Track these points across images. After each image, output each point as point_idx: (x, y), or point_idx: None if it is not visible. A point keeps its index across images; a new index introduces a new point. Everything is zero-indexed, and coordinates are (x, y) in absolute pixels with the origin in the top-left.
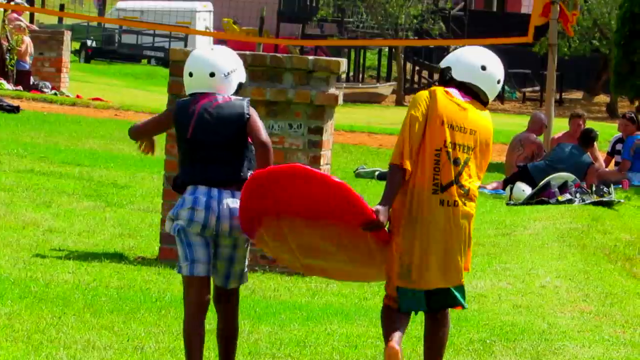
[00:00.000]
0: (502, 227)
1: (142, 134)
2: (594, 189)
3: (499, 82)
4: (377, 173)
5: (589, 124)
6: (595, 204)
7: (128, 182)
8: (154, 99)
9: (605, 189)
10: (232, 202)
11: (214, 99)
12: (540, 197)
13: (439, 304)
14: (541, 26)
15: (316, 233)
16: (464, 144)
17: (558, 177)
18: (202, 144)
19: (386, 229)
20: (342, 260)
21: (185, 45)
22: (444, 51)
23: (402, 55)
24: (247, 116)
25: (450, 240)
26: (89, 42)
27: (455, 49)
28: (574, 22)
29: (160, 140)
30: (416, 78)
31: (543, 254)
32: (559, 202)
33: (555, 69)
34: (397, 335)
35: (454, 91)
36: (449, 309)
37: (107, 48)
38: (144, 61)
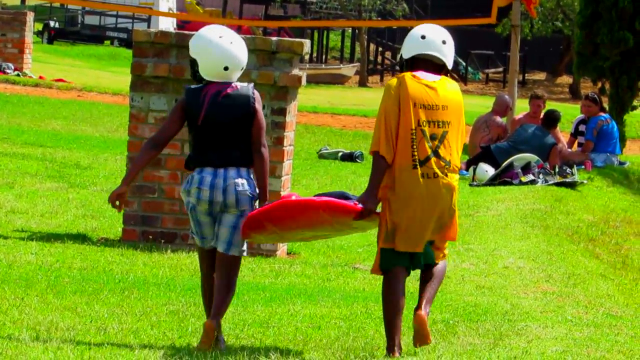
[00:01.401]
0: (465, 208)
1: (166, 138)
2: (556, 170)
3: (444, 42)
4: (340, 154)
5: (552, 105)
6: (558, 185)
7: (91, 163)
8: (117, 80)
9: (568, 170)
10: (238, 179)
11: (223, 89)
12: (503, 178)
13: (425, 261)
14: (504, 7)
15: (309, 230)
16: (438, 119)
17: (521, 158)
18: (211, 130)
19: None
20: (329, 234)
21: (149, 26)
22: (407, 32)
23: (366, 37)
24: (253, 104)
25: (430, 209)
26: (51, 23)
27: None
28: (537, 3)
29: (124, 120)
30: (379, 59)
31: (506, 235)
32: (522, 183)
33: (518, 50)
34: (397, 340)
35: (420, 73)
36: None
37: (70, 29)
38: (107, 42)
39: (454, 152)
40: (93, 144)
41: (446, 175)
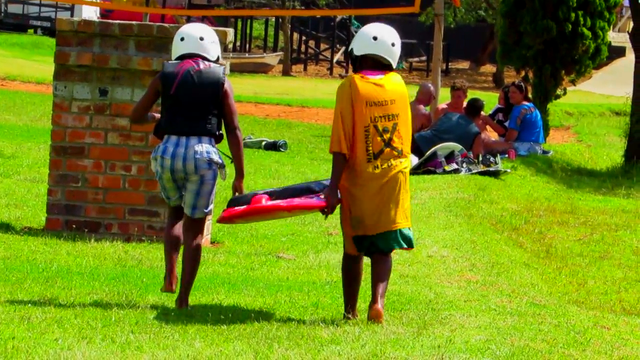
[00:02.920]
0: None
1: (142, 110)
2: (480, 158)
3: (393, 44)
4: (263, 143)
5: (476, 94)
6: (481, 173)
7: (14, 152)
8: (40, 69)
9: (491, 159)
10: (198, 145)
11: (197, 64)
12: (427, 166)
13: (385, 244)
14: None
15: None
16: (388, 113)
17: (445, 146)
18: (181, 100)
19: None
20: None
21: (72, 15)
22: (331, 21)
23: (289, 25)
24: (222, 82)
25: (385, 196)
26: None
27: (342, 19)
28: None
29: (48, 109)
30: (303, 48)
31: (430, 224)
32: (445, 172)
33: (441, 39)
34: (352, 302)
35: (368, 73)
36: (390, 253)
37: None
38: (30, 31)
39: (405, 140)
40: (16, 133)
41: (400, 163)
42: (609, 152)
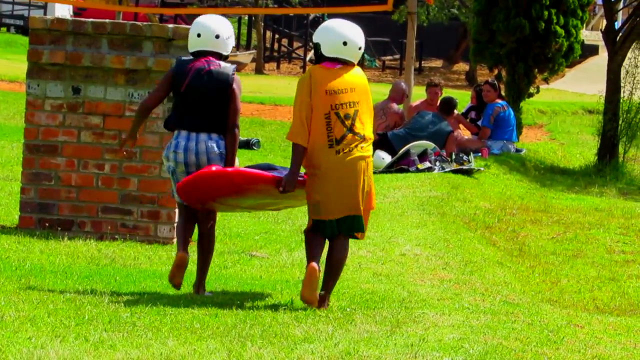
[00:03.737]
0: None
1: (152, 103)
2: (453, 157)
3: (360, 48)
4: None
5: (449, 92)
6: (455, 172)
7: None
8: (13, 67)
9: (464, 157)
10: (209, 141)
11: (208, 64)
12: (400, 165)
13: (347, 229)
14: None
15: (243, 198)
16: (349, 101)
17: (418, 145)
18: (190, 98)
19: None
20: (272, 203)
21: (45, 13)
22: (304, 19)
23: (262, 24)
24: (231, 83)
25: (346, 180)
26: None
27: (315, 17)
28: None
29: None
30: (276, 46)
31: (403, 223)
32: (418, 170)
33: (414, 37)
34: (316, 258)
35: (327, 64)
36: (349, 239)
37: None
38: (3, 29)
39: (367, 125)
40: None
41: (361, 148)
42: (582, 151)
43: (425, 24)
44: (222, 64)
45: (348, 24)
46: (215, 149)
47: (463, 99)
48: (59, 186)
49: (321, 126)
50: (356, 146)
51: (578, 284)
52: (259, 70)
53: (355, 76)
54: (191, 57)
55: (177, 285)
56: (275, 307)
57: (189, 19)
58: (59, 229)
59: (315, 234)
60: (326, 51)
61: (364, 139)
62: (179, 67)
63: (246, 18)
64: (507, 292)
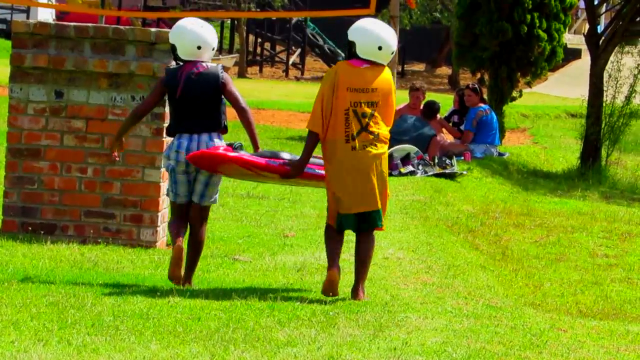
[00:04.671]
0: None
1: (144, 109)
2: (436, 160)
3: (392, 53)
4: None
5: (431, 96)
6: (437, 175)
7: None
8: None
9: (447, 161)
10: (209, 141)
11: (196, 67)
12: None
13: (365, 224)
14: None
15: (249, 177)
16: (368, 100)
17: (401, 149)
18: (187, 102)
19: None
20: (280, 182)
21: (28, 17)
22: (287, 23)
23: (245, 27)
24: (222, 80)
25: (362, 176)
26: None
27: (298, 20)
28: None
29: (3, 111)
30: (258, 50)
31: (386, 226)
32: (401, 174)
33: (397, 41)
34: (336, 261)
35: (355, 61)
36: (374, 231)
37: None
38: None
39: (382, 126)
40: None
41: (375, 146)
42: (565, 154)
43: (408, 27)
44: (209, 65)
45: (384, 27)
46: (213, 146)
47: (446, 102)
48: (42, 190)
49: (340, 120)
50: (370, 144)
51: (561, 287)
52: (241, 74)
53: (381, 77)
54: (178, 65)
55: (178, 280)
56: (258, 311)
57: (172, 22)
58: (42, 232)
59: (334, 229)
60: (361, 52)
61: (377, 137)
62: (169, 76)
63: (229, 22)
64: (490, 296)
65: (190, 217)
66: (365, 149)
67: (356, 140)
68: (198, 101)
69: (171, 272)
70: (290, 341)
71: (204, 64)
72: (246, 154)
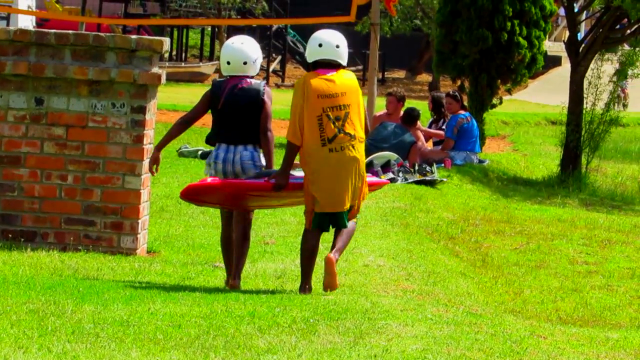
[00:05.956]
0: None
1: (191, 118)
2: (416, 167)
3: (337, 46)
4: (200, 152)
5: (412, 103)
6: (418, 183)
7: None
8: None
9: (427, 168)
10: (244, 151)
11: (239, 83)
12: None
13: (337, 223)
14: (363, 5)
15: (244, 201)
16: (339, 104)
17: (381, 156)
18: (227, 114)
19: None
20: (272, 203)
21: (8, 24)
22: (267, 30)
23: (225, 35)
24: (262, 97)
25: (340, 177)
26: None
27: (278, 28)
28: (396, 1)
29: None
30: None
31: (366, 233)
32: None
33: (377, 49)
34: (309, 278)
35: (320, 70)
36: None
37: None
38: None
39: (357, 126)
40: None
41: (353, 147)
42: (545, 161)
43: (388, 35)
44: (253, 81)
45: (327, 30)
46: (248, 158)
47: (426, 110)
48: (22, 197)
49: (314, 127)
50: (348, 146)
51: (541, 294)
52: None
53: (347, 80)
54: (224, 79)
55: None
56: (238, 318)
57: (153, 29)
58: (22, 240)
59: (312, 233)
60: (308, 56)
61: (354, 137)
62: (214, 88)
63: (209, 29)
64: (470, 303)
65: (234, 223)
66: (343, 150)
67: (333, 143)
68: (237, 114)
69: (230, 283)
70: (270, 348)
71: (248, 80)
72: (232, 179)
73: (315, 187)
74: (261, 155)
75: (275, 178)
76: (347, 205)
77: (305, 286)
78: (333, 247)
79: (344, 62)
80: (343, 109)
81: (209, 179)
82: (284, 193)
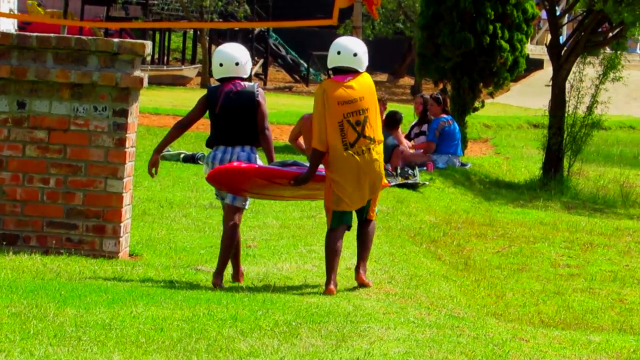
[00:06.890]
0: (307, 209)
1: (188, 122)
2: (399, 171)
3: (355, 54)
4: (182, 155)
5: (394, 107)
6: (400, 186)
7: None
8: None
9: (410, 171)
10: (241, 152)
11: (235, 86)
12: None
13: (361, 215)
14: (346, 9)
15: (265, 189)
16: (359, 109)
17: None
18: (225, 117)
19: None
20: (290, 194)
21: None
22: (249, 33)
23: (208, 38)
24: (257, 99)
25: (363, 178)
26: None
27: (260, 31)
28: (379, 4)
29: None
30: None
31: (348, 236)
32: None
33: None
34: (333, 278)
35: (338, 77)
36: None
37: None
38: None
39: (376, 129)
40: None
41: (372, 149)
42: (527, 165)
43: (371, 38)
44: (247, 84)
45: (347, 37)
46: (245, 158)
47: (408, 113)
48: (3, 201)
49: (336, 132)
50: (368, 148)
51: (523, 297)
52: (204, 85)
53: (364, 84)
54: (219, 84)
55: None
56: (220, 321)
57: (135, 33)
58: (4, 243)
59: (336, 231)
60: (328, 63)
61: (374, 141)
62: (210, 94)
63: (191, 32)
64: (453, 306)
65: (224, 217)
66: (364, 153)
67: (355, 147)
68: (234, 117)
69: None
70: (252, 352)
71: (242, 83)
72: (259, 164)
73: (339, 187)
74: (257, 155)
75: (298, 180)
76: (367, 200)
77: (330, 284)
78: (359, 257)
79: (362, 70)
80: (362, 113)
81: (235, 163)
82: (302, 188)
